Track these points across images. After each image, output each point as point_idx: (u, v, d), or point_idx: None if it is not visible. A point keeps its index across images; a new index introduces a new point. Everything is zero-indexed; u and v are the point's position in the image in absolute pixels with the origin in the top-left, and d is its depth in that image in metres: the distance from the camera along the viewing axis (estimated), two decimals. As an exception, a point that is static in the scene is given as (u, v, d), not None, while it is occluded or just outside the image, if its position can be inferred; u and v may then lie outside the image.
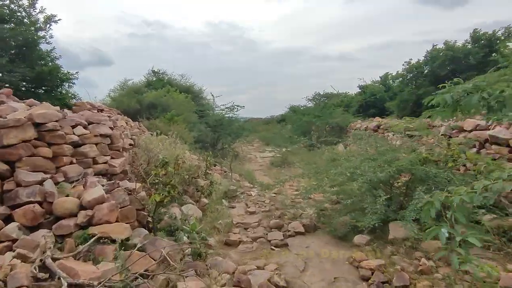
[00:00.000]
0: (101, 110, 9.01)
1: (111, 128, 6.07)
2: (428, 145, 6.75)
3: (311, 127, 18.05)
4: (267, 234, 5.36)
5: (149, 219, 4.47)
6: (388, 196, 4.63)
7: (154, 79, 23.47)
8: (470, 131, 6.72)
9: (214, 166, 10.52)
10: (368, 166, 4.73)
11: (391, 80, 20.56)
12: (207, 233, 4.94)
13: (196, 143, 14.46)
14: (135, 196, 4.44)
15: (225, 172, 10.15)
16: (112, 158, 5.73)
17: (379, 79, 21.10)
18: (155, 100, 15.57)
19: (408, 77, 13.53)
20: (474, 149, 6.38)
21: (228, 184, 8.48)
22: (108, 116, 8.76)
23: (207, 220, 5.67)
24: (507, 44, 10.62)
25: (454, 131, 7.51)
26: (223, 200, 7.30)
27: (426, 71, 12.97)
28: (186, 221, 4.95)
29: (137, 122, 10.42)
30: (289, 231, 5.43)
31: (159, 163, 4.68)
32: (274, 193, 8.26)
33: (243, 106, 16.69)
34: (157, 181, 4.68)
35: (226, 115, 16.59)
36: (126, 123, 9.40)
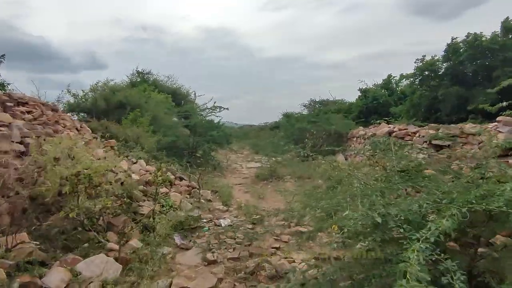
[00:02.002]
0: (23, 104, 6.70)
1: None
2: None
3: (305, 135, 15.78)
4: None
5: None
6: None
7: (139, 79, 21.27)
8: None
9: (180, 181, 8.14)
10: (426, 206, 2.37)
11: (394, 84, 18.49)
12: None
13: (169, 150, 12.16)
14: None
15: (193, 189, 7.78)
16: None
17: (381, 82, 18.99)
18: (124, 99, 13.20)
19: (420, 78, 11.35)
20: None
21: (190, 209, 6.11)
22: (27, 112, 6.47)
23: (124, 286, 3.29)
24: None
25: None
26: (175, 235, 4.92)
27: (443, 69, 10.81)
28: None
29: (82, 123, 8.05)
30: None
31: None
32: (253, 223, 5.91)
33: (227, 108, 14.40)
34: None
35: (207, 117, 14.29)
36: (61, 123, 7.05)
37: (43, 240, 3.59)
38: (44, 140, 4.44)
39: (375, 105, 16.89)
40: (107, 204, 3.97)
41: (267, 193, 8.80)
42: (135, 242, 4.10)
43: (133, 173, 6.23)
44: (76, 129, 7.32)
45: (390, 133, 9.17)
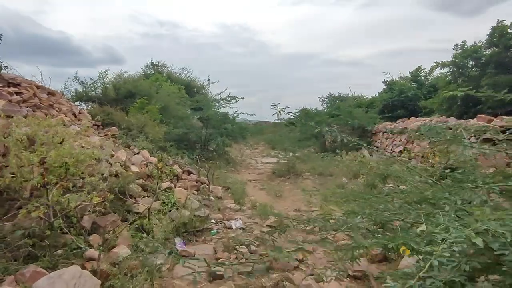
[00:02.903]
0: (16, 85, 6.06)
1: None
2: None
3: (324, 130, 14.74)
4: None
5: None
6: None
7: (153, 72, 20.73)
8: None
9: (188, 175, 7.33)
10: None
11: (423, 77, 17.15)
12: None
13: (180, 142, 11.44)
14: None
15: (202, 184, 6.94)
16: None
17: (409, 75, 17.66)
18: (134, 89, 12.52)
19: (459, 66, 10.11)
20: None
21: (197, 207, 5.26)
22: (16, 93, 5.82)
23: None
24: None
25: None
26: (175, 240, 4.08)
27: (486, 56, 9.54)
28: None
29: (81, 109, 7.34)
30: None
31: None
32: (269, 225, 5.01)
33: (242, 98, 13.46)
34: None
35: (221, 109, 13.43)
36: (56, 107, 6.37)
37: (4, 246, 2.80)
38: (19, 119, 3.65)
39: (402, 99, 15.63)
40: (91, 200, 3.14)
41: (285, 191, 7.89)
42: (123, 249, 3.27)
43: (132, 164, 5.43)
44: (74, 114, 6.60)
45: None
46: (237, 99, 13.43)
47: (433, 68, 10.45)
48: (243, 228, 4.86)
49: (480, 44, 9.69)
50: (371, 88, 53.77)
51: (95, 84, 12.56)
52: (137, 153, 6.25)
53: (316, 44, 65.64)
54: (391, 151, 9.85)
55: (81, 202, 3.11)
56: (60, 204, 3.04)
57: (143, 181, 5.15)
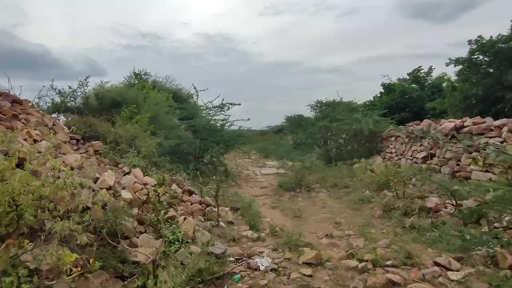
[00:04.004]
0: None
1: None
2: None
3: (327, 136, 13.74)
4: None
5: None
6: None
7: (136, 82, 19.42)
8: None
9: (189, 195, 6.11)
10: None
11: (422, 77, 16.53)
12: None
13: (172, 155, 10.20)
14: None
15: (208, 207, 5.74)
16: None
17: (408, 76, 17.00)
18: (119, 97, 11.25)
19: (475, 63, 9.32)
20: None
21: (208, 240, 4.07)
22: None
23: None
24: None
25: None
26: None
27: (507, 50, 8.79)
28: None
29: (55, 119, 6.07)
30: None
31: None
32: (307, 262, 3.86)
33: (239, 104, 12.33)
34: None
35: (215, 117, 12.23)
36: (22, 117, 5.10)
37: None
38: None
39: (405, 101, 14.88)
40: (61, 264, 1.93)
41: (303, 209, 6.75)
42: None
43: (123, 188, 4.20)
44: (48, 127, 5.31)
45: (457, 129, 7.16)
46: (231, 106, 12.29)
47: (448, 64, 9.69)
48: (275, 269, 3.69)
49: (499, 37, 8.94)
50: (355, 93, 54.18)
51: (75, 93, 11.20)
52: (128, 173, 5.01)
53: (298, 52, 65.90)
54: (411, 157, 8.89)
55: (48, 266, 1.90)
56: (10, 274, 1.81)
57: (139, 211, 3.93)
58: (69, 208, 2.43)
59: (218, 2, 66.48)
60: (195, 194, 6.24)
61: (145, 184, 4.81)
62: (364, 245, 4.30)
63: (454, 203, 5.01)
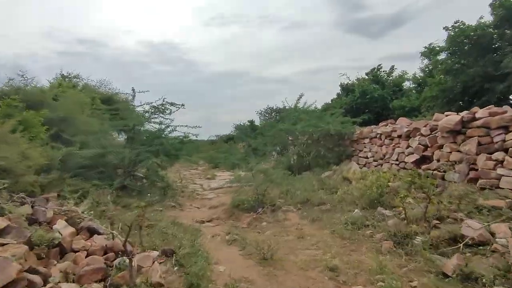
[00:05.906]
0: None
1: None
2: None
3: (287, 140, 11.84)
4: None
5: None
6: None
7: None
8: None
9: (90, 237, 3.61)
10: None
11: (383, 76, 15.59)
12: None
13: (90, 169, 7.64)
14: None
15: (119, 255, 3.30)
16: None
17: (365, 76, 15.97)
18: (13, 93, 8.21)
19: (457, 50, 8.13)
20: None
21: None
22: None
23: None
24: None
25: None
26: None
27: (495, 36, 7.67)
28: None
29: None
30: None
31: None
32: None
33: (182, 105, 9.93)
34: None
35: (152, 120, 9.69)
36: None
37: None
38: None
39: (366, 101, 13.66)
40: None
41: (273, 243, 4.51)
42: None
43: None
44: None
45: (464, 123, 5.60)
46: (175, 107, 9.84)
47: (430, 51, 8.45)
48: None
49: (483, 22, 7.80)
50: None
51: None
52: None
53: (245, 63, 66.03)
54: (396, 162, 7.26)
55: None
56: None
57: None
58: None
59: (163, 10, 63.67)
60: (99, 234, 3.75)
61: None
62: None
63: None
